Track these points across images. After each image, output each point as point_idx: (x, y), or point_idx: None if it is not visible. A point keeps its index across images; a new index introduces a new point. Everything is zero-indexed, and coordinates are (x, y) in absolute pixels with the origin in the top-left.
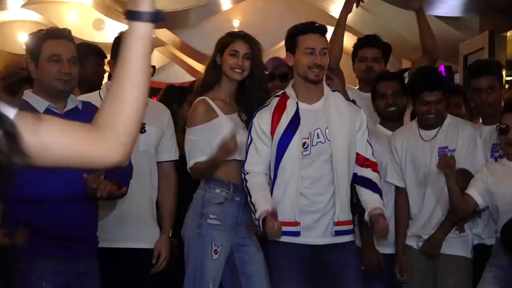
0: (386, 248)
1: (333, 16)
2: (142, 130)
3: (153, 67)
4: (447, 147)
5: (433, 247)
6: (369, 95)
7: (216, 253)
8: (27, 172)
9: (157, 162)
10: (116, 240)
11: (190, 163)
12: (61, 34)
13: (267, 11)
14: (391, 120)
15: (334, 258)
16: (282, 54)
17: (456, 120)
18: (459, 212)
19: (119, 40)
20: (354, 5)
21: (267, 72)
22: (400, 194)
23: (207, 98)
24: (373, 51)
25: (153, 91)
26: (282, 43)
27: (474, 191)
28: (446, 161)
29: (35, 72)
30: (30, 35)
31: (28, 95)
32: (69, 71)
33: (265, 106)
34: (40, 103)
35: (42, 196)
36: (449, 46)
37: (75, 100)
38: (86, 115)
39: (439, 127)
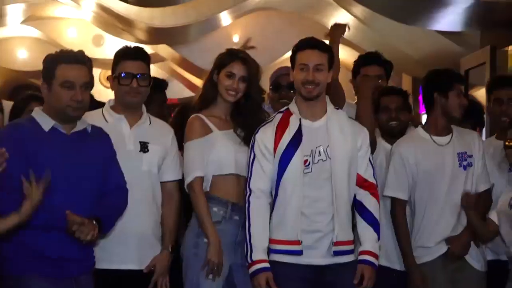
0: (395, 264)
1: None
2: (146, 149)
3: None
4: (465, 152)
5: (463, 247)
6: None
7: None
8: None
9: (161, 182)
10: (117, 261)
11: (189, 178)
12: (74, 59)
13: (267, 27)
14: (392, 136)
15: (336, 279)
16: None
17: (460, 128)
18: (483, 238)
19: (118, 55)
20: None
21: (264, 95)
22: (400, 206)
23: (200, 115)
24: (375, 69)
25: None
26: (282, 58)
27: (495, 215)
28: (469, 200)
29: (47, 95)
30: (46, 57)
31: (37, 113)
32: (81, 98)
33: (269, 122)
34: (47, 121)
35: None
36: (450, 61)
37: (85, 122)
38: (94, 139)
39: (451, 133)
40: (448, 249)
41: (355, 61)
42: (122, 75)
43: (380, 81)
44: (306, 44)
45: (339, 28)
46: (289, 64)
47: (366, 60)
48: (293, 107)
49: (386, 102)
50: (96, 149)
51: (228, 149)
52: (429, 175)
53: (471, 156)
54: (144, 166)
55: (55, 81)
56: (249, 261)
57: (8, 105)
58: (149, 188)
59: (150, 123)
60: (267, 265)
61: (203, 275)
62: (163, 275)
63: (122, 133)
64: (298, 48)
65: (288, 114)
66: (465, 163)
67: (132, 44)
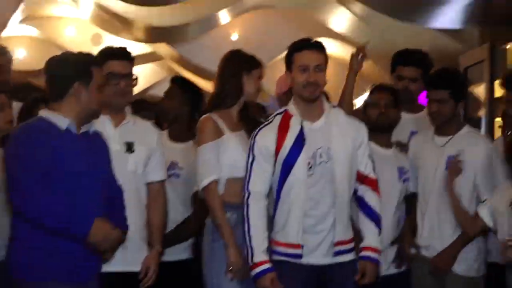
0: (383, 268)
1: (330, 29)
2: (131, 150)
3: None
4: (457, 156)
5: (443, 264)
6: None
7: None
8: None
9: (146, 183)
10: (104, 263)
11: (205, 181)
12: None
13: (265, 25)
14: (380, 132)
15: (335, 278)
16: (280, 67)
17: (474, 133)
18: (467, 232)
19: (103, 55)
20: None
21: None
22: (411, 199)
23: (212, 116)
24: (411, 70)
25: (146, 106)
26: (280, 56)
27: (483, 211)
28: (454, 166)
29: (84, 96)
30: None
31: (49, 113)
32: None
33: (268, 123)
34: (63, 121)
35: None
36: (449, 58)
37: (91, 124)
38: (97, 141)
39: (452, 135)
40: (431, 265)
41: (392, 57)
42: (109, 75)
43: (413, 84)
44: (304, 45)
45: (359, 53)
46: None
47: (402, 59)
48: (292, 108)
49: (376, 98)
50: (102, 151)
51: (240, 152)
52: (421, 172)
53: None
54: (130, 166)
55: (92, 83)
56: (251, 263)
57: (15, 106)
58: (135, 189)
59: (134, 123)
60: (269, 265)
61: (223, 277)
62: (156, 273)
63: (107, 133)
64: (295, 49)
65: (287, 116)
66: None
67: (131, 43)
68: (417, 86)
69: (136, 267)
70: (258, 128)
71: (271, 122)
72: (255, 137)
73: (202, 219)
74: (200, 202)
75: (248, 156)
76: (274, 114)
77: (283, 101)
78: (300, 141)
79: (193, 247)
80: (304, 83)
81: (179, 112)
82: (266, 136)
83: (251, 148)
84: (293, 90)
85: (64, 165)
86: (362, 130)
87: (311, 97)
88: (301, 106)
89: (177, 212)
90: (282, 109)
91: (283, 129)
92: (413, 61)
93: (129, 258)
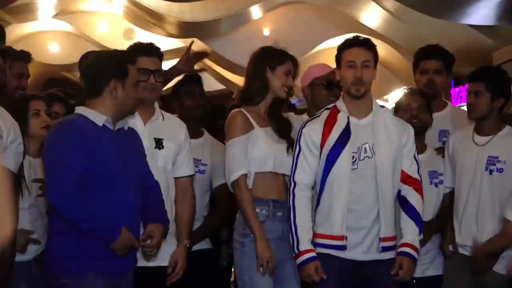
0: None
1: (363, 24)
2: (160, 146)
3: (166, 74)
4: (497, 156)
5: (482, 262)
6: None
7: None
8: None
9: (174, 178)
10: (149, 261)
11: (234, 175)
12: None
13: (297, 20)
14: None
15: (375, 274)
16: (312, 62)
17: None
18: None
19: (132, 51)
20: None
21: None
22: (449, 195)
23: (243, 110)
24: (433, 63)
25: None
26: (312, 51)
27: None
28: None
29: (121, 93)
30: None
31: (85, 111)
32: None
33: (316, 117)
34: (99, 118)
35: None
36: (482, 54)
37: (125, 120)
38: (133, 136)
39: (494, 135)
40: (472, 263)
41: (414, 54)
42: (139, 71)
43: (437, 76)
44: (353, 42)
45: None
46: (318, 57)
47: (424, 54)
48: (340, 104)
49: (408, 100)
50: (137, 147)
51: (269, 147)
52: (459, 170)
53: (503, 162)
54: (160, 162)
55: (129, 80)
56: (296, 252)
57: None
58: (165, 185)
59: (163, 119)
60: (314, 254)
61: (256, 272)
62: (184, 268)
63: (137, 129)
64: (344, 46)
65: (335, 111)
66: (493, 167)
67: (163, 38)
68: (442, 80)
69: (165, 262)
70: (306, 121)
71: (318, 116)
72: (302, 129)
73: (225, 213)
74: (223, 197)
75: (295, 148)
76: (323, 109)
77: (307, 94)
78: (345, 135)
79: (212, 238)
80: (352, 79)
81: (203, 109)
82: (313, 129)
83: (298, 140)
84: (343, 87)
85: (101, 163)
86: (408, 131)
87: (358, 94)
88: (349, 103)
89: (202, 208)
90: (331, 105)
91: (330, 123)
92: (434, 54)
93: (159, 253)
